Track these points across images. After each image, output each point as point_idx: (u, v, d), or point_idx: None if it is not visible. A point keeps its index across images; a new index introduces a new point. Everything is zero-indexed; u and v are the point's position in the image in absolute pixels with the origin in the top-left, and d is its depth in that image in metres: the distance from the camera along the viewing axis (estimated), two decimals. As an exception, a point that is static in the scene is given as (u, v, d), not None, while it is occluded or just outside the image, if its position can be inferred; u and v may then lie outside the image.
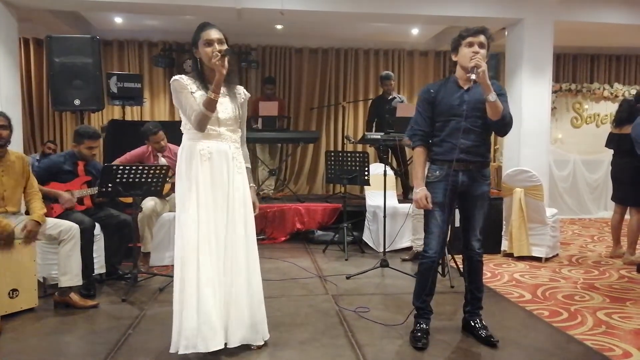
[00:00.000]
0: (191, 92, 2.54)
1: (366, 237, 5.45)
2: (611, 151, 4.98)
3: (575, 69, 8.64)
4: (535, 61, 6.02)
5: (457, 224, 2.99)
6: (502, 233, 5.04)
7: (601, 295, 3.72)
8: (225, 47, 2.52)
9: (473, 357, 2.65)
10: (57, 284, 3.38)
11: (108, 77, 6.02)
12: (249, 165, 2.77)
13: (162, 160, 4.53)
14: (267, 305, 2.72)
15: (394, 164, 6.33)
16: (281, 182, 7.41)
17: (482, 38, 2.62)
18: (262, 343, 2.66)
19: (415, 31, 7.72)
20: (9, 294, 3.16)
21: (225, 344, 2.54)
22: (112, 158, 4.52)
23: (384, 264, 4.29)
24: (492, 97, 2.56)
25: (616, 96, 7.74)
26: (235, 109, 2.63)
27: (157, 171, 3.82)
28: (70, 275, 3.33)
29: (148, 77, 7.94)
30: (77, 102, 4.94)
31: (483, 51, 2.61)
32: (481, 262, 2.87)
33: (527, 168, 4.93)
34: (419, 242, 4.71)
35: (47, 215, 3.40)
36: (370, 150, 7.57)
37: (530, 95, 5.96)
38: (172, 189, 4.51)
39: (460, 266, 3.76)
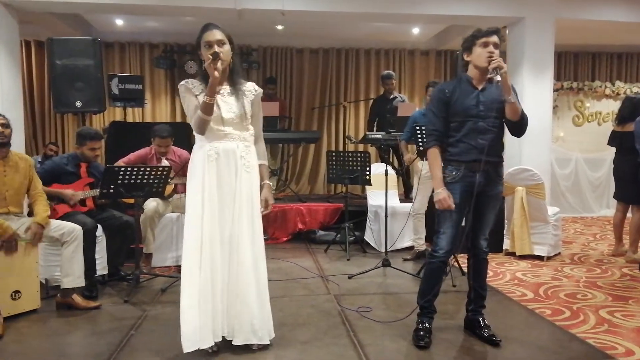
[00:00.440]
0: (196, 95, 2.55)
1: (368, 236, 5.45)
2: (613, 149, 4.97)
3: (576, 67, 8.64)
4: (536, 59, 6.02)
5: (462, 223, 2.98)
6: (504, 232, 5.03)
7: (603, 294, 3.71)
8: (226, 47, 2.52)
9: (475, 356, 2.65)
10: (60, 285, 3.38)
11: (109, 78, 6.03)
12: (266, 162, 2.78)
13: (165, 162, 4.53)
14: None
15: (396, 163, 6.33)
16: (282, 182, 7.41)
17: (495, 38, 2.63)
18: (268, 342, 2.66)
19: (416, 30, 7.72)
20: (11, 295, 3.17)
21: (231, 342, 2.56)
22: (114, 160, 4.53)
23: (386, 264, 4.29)
24: (513, 98, 2.59)
25: (618, 94, 7.72)
26: (242, 107, 2.61)
27: (159, 172, 3.83)
28: (73, 277, 3.33)
29: (149, 79, 7.96)
30: (78, 104, 4.95)
31: (497, 51, 2.61)
32: (486, 260, 2.87)
33: (529, 167, 4.93)
34: (420, 241, 4.72)
35: (50, 217, 3.40)
36: (372, 150, 7.58)
37: (531, 94, 5.95)
38: (175, 191, 4.52)
39: (463, 266, 3.76)
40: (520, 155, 5.92)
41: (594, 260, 4.83)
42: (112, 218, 3.92)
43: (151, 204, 4.32)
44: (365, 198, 5.67)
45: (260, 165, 2.72)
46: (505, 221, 5.02)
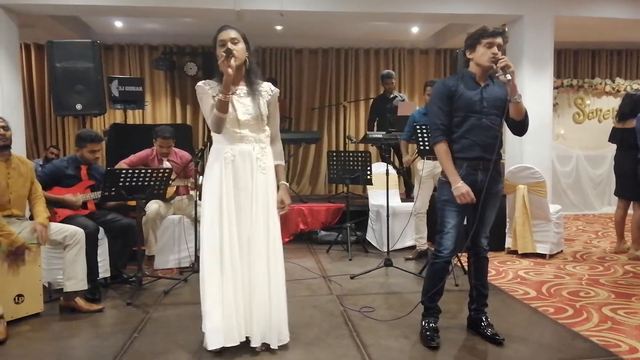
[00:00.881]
0: (213, 96, 2.58)
1: (369, 236, 5.45)
2: (614, 146, 4.97)
3: (576, 65, 8.64)
4: (536, 57, 6.02)
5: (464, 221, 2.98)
6: (506, 230, 5.03)
7: (606, 291, 3.71)
8: (239, 46, 2.54)
9: (479, 355, 2.65)
10: (62, 288, 3.38)
11: (109, 81, 6.04)
12: (282, 162, 2.80)
13: (167, 164, 4.53)
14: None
15: (396, 162, 6.33)
16: (284, 183, 7.39)
17: (500, 40, 2.64)
18: (282, 344, 2.67)
19: (415, 29, 7.72)
20: (14, 299, 3.17)
21: (249, 342, 2.60)
22: (114, 162, 4.53)
23: (388, 264, 4.29)
24: (519, 97, 2.61)
25: (618, 91, 7.72)
26: (258, 109, 2.63)
27: (160, 174, 3.83)
28: (76, 280, 3.33)
29: (149, 81, 7.97)
30: (79, 106, 4.95)
31: (499, 53, 2.62)
32: (487, 259, 2.87)
33: (530, 164, 4.93)
34: (422, 240, 4.71)
35: (51, 220, 3.40)
36: (372, 150, 7.58)
37: (531, 92, 5.95)
38: (177, 193, 4.52)
39: (465, 264, 3.75)
40: (521, 153, 5.92)
41: (596, 257, 4.83)
42: (114, 220, 3.91)
43: (153, 206, 4.32)
44: (367, 198, 5.67)
45: (276, 166, 2.74)
46: (507, 219, 5.02)
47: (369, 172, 4.79)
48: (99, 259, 3.72)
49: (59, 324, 3.19)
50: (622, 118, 4.84)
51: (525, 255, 4.80)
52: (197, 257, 4.20)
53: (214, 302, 2.54)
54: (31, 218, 3.44)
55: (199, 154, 4.21)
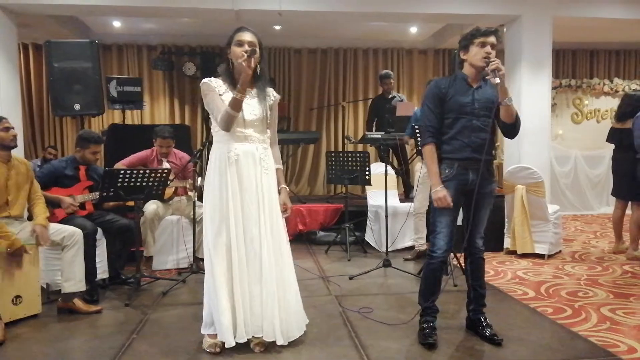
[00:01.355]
0: (220, 94, 2.60)
1: (368, 237, 5.45)
2: (612, 146, 4.97)
3: (574, 65, 8.65)
4: (534, 57, 6.02)
5: (459, 222, 2.98)
6: (505, 230, 5.04)
7: (605, 291, 3.72)
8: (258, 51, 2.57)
9: (477, 355, 2.65)
10: (61, 290, 3.38)
11: (108, 81, 6.03)
12: (281, 166, 2.83)
13: (166, 165, 4.52)
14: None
15: (395, 163, 6.33)
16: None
17: (493, 39, 2.63)
18: (296, 337, 2.72)
19: (413, 29, 7.72)
20: (12, 300, 3.16)
21: (261, 338, 2.63)
22: (112, 163, 4.52)
23: (387, 264, 4.29)
24: (510, 100, 2.61)
25: (616, 91, 7.74)
26: (263, 111, 2.67)
27: (159, 175, 3.82)
28: (74, 281, 3.33)
29: (147, 81, 7.95)
30: (77, 106, 4.94)
31: (494, 52, 2.62)
32: (483, 259, 2.88)
33: (528, 165, 4.93)
34: (421, 241, 4.71)
35: (49, 220, 3.39)
36: (371, 150, 7.57)
37: (530, 92, 5.96)
38: (175, 193, 4.51)
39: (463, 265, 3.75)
40: (520, 154, 5.92)
41: (594, 257, 4.83)
42: (112, 221, 3.90)
43: (151, 206, 4.31)
44: (365, 198, 5.67)
45: (276, 170, 2.77)
46: (506, 220, 5.02)
47: (367, 173, 4.79)
48: (97, 260, 3.71)
49: (57, 325, 3.18)
50: (620, 118, 4.84)
51: (524, 256, 4.80)
52: (195, 258, 4.19)
53: (225, 303, 2.55)
54: (30, 219, 3.44)
55: (198, 155, 4.20)
